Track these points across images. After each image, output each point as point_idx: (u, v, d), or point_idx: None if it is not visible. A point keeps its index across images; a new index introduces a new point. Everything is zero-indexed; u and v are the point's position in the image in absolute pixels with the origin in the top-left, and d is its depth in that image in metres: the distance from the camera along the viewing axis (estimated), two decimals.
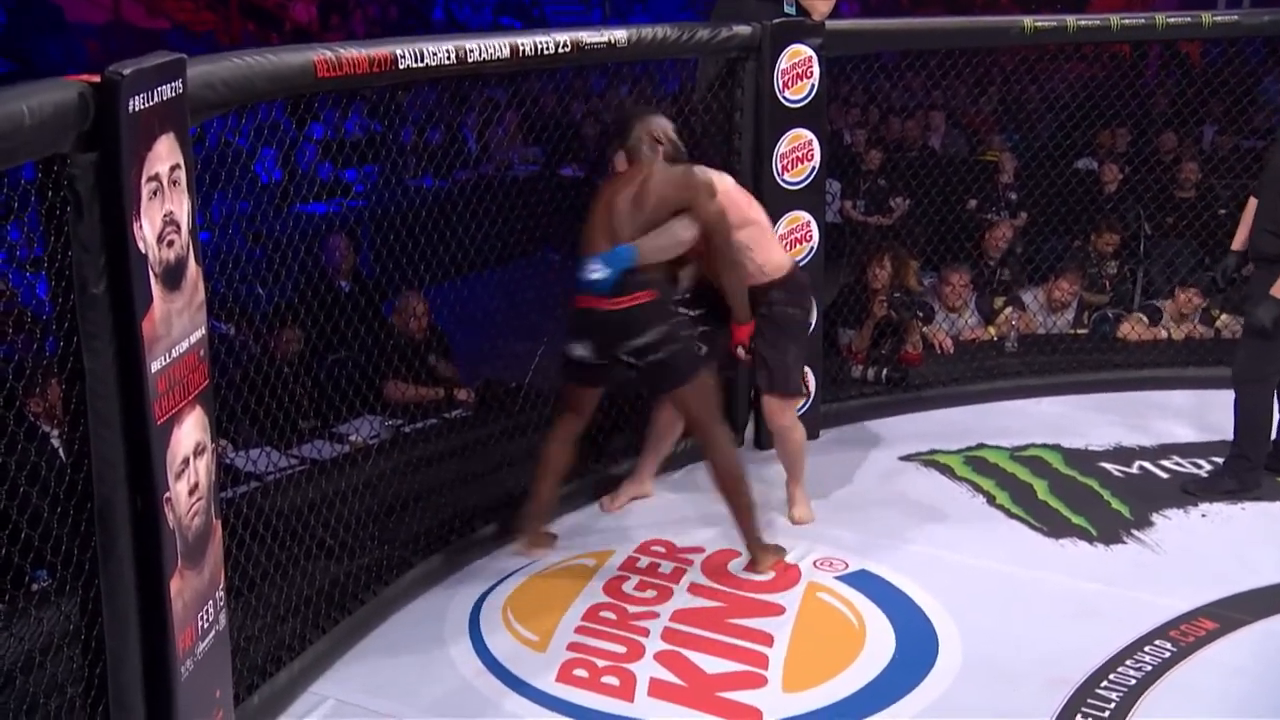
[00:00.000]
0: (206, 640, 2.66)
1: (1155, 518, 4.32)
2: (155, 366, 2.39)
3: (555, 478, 3.97)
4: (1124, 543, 4.15)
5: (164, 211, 2.40)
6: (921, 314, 5.65)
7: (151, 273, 2.36)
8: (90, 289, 2.30)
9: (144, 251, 2.33)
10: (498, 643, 3.55)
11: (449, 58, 3.54)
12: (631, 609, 3.71)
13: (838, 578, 3.90)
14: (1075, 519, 4.32)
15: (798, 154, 4.72)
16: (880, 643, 3.53)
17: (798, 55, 4.63)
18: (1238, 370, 4.35)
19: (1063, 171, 6.24)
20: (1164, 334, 5.85)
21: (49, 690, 2.63)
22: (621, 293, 3.61)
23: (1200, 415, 5.09)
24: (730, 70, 4.63)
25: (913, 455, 4.88)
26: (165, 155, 2.39)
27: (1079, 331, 5.95)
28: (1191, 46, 8.42)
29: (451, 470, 4.22)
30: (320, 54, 3.12)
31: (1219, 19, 5.31)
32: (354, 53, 3.23)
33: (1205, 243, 5.98)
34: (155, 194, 2.37)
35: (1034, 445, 4.94)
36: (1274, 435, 4.53)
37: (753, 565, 3.92)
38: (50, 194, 2.27)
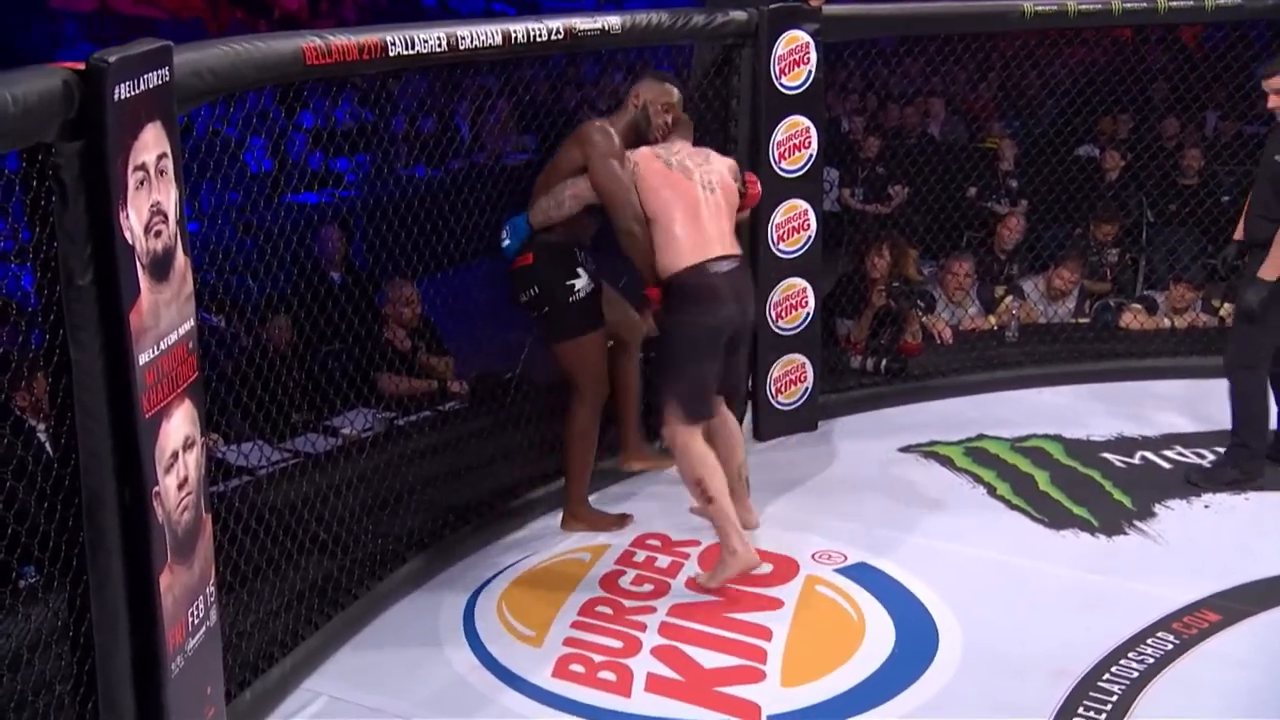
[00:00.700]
0: (197, 636, 2.64)
1: (1157, 508, 4.30)
2: (143, 359, 2.37)
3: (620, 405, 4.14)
4: (1126, 534, 4.13)
5: (151, 201, 2.38)
6: (922, 303, 5.61)
7: (139, 264, 2.34)
8: (76, 280, 2.28)
9: (131, 242, 2.31)
10: (493, 638, 3.53)
11: (440, 45, 3.51)
12: (628, 603, 3.69)
13: (836, 570, 3.87)
14: (1077, 510, 4.29)
15: (795, 141, 4.68)
16: (880, 636, 3.51)
17: (794, 41, 4.59)
18: (1228, 358, 4.38)
19: (1064, 159, 6.19)
20: (1166, 323, 5.81)
21: (37, 688, 2.62)
22: (515, 256, 3.87)
23: (1203, 405, 5.06)
24: (726, 57, 4.60)
25: (913, 446, 4.86)
26: (152, 144, 2.37)
27: (1080, 321, 5.91)
28: (1188, 31, 8.35)
29: (445, 463, 4.20)
30: (309, 41, 3.11)
31: (1222, 3, 5.25)
32: (344, 40, 3.22)
33: (1208, 230, 5.94)
34: (142, 184, 2.34)
35: (1035, 436, 4.91)
36: (1276, 424, 4.52)
37: (565, 521, 4.10)
38: (35, 184, 2.24)
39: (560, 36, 3.89)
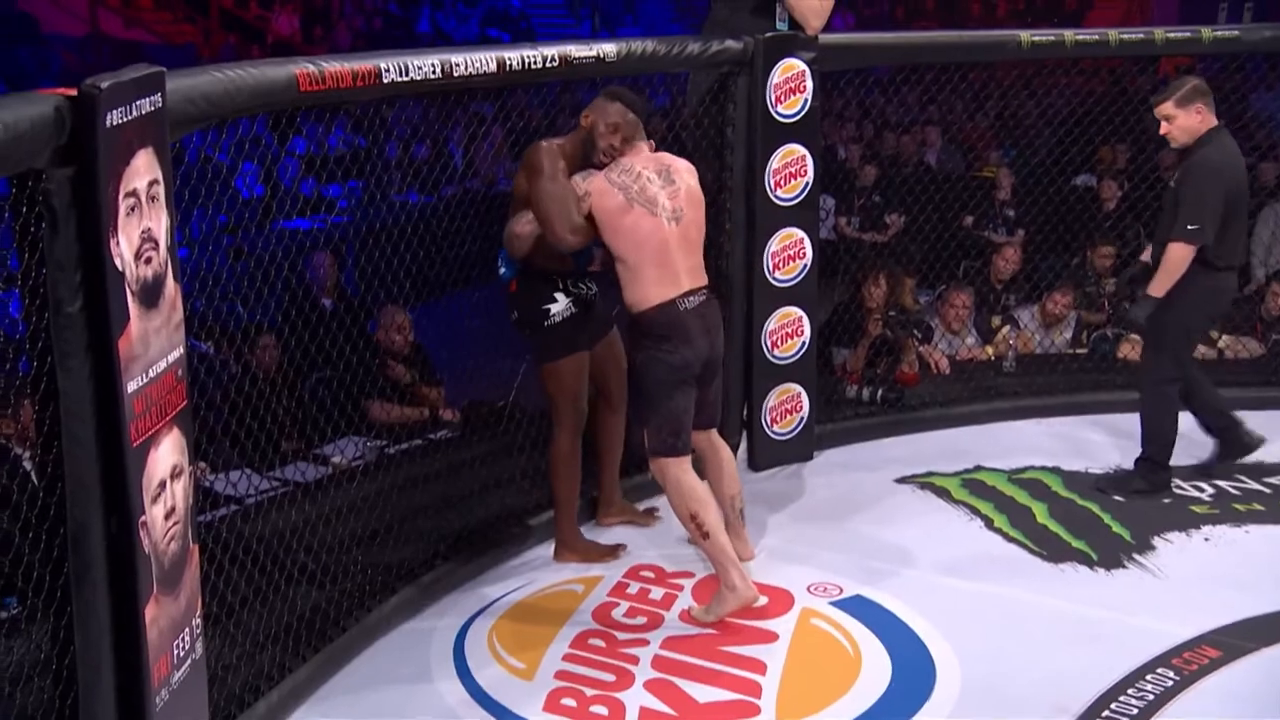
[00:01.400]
0: (182, 669, 2.62)
1: (1157, 541, 4.26)
2: (132, 387, 2.37)
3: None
4: (1125, 567, 4.09)
5: (142, 228, 2.38)
6: (920, 334, 5.59)
7: (128, 290, 2.35)
8: (65, 307, 2.29)
9: (121, 269, 2.32)
10: (484, 671, 3.49)
11: (434, 72, 3.52)
12: (621, 636, 3.65)
13: (832, 603, 3.83)
14: (1075, 543, 4.25)
15: (791, 170, 4.66)
16: (876, 670, 3.47)
17: (790, 70, 4.58)
18: (1141, 375, 4.61)
19: (1061, 188, 6.18)
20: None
21: None
22: (508, 282, 3.95)
23: (1201, 437, 5.01)
24: (722, 85, 4.60)
25: (909, 477, 4.82)
26: (143, 170, 2.38)
27: (1078, 351, 5.88)
28: (1167, 63, 8.37)
29: (436, 493, 4.18)
30: (303, 68, 3.12)
31: (1219, 34, 5.27)
32: (337, 66, 3.23)
33: None
34: (133, 210, 2.35)
35: (1033, 467, 4.88)
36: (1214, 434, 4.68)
37: (557, 552, 4.07)
38: (25, 210, 2.25)
39: (555, 64, 3.89)
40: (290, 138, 6.13)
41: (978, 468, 4.90)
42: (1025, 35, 5.13)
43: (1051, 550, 4.20)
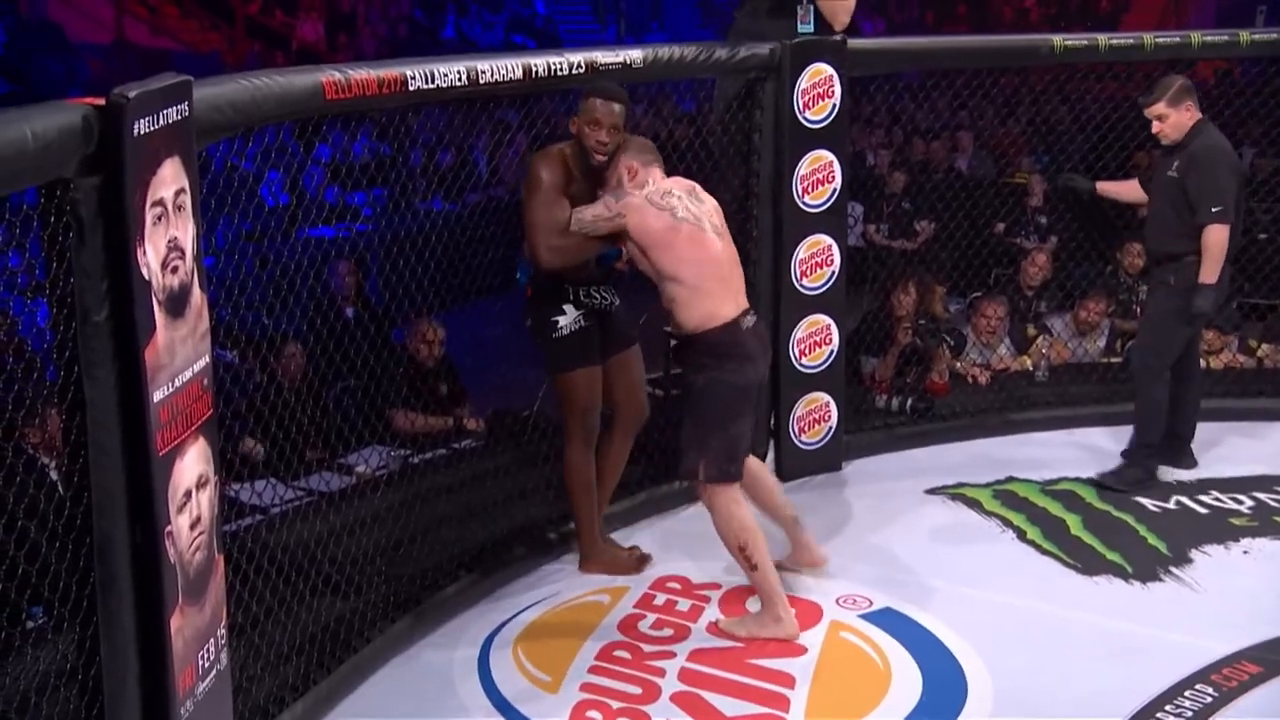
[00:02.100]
0: (207, 680, 2.62)
1: (1194, 554, 4.19)
2: (158, 396, 2.38)
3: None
4: (1161, 580, 4.03)
5: (168, 237, 2.40)
6: (952, 344, 5.52)
7: (155, 300, 2.36)
8: (92, 317, 2.30)
9: (147, 278, 2.33)
10: (508, 683, 3.47)
11: (460, 79, 3.52)
12: (647, 648, 3.62)
13: (861, 616, 3.79)
14: (1110, 555, 4.19)
15: (819, 176, 4.63)
16: (906, 685, 3.43)
17: (818, 74, 4.55)
18: (1136, 362, 4.75)
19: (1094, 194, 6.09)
20: (1202, 364, 5.67)
21: None
22: (526, 288, 3.94)
23: (1240, 447, 4.97)
24: (749, 91, 4.57)
25: (939, 488, 4.77)
26: (170, 180, 2.39)
27: (1112, 360, 5.79)
28: (1205, 66, 8.27)
29: (461, 503, 4.17)
30: (329, 75, 3.14)
31: (1258, 37, 5.19)
32: (363, 74, 3.24)
33: (1245, 269, 5.82)
34: (160, 219, 2.36)
35: (1066, 479, 4.82)
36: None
37: (582, 564, 4.02)
38: (52, 219, 2.26)
39: (581, 70, 3.87)
40: (315, 145, 6.16)
41: (1010, 479, 4.84)
42: (1058, 40, 5.08)
43: (1086, 563, 4.14)
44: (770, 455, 4.79)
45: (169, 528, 2.41)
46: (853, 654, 3.59)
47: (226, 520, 3.32)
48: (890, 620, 3.75)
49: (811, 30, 4.53)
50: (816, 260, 4.69)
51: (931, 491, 4.74)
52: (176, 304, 2.42)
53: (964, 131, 8.51)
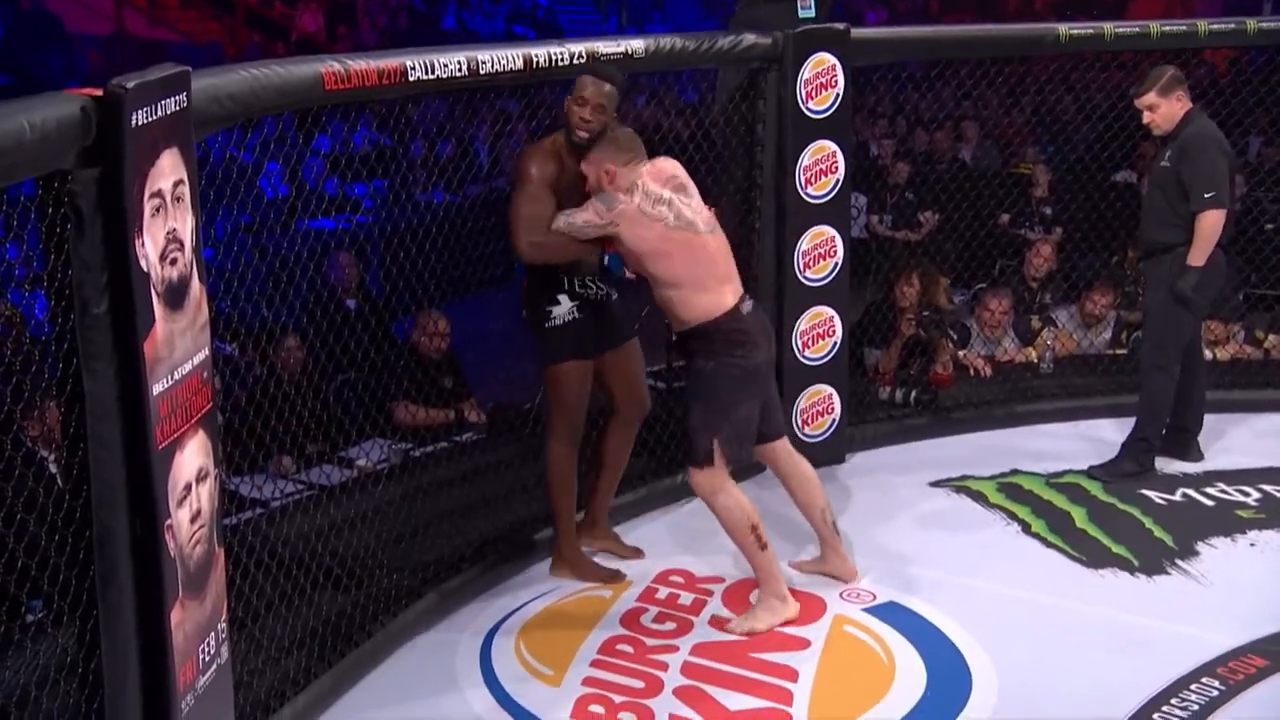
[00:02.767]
0: (208, 674, 2.62)
1: (1200, 547, 4.17)
2: (157, 389, 2.37)
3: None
4: (1167, 573, 4.01)
5: (167, 229, 2.39)
6: (955, 336, 5.49)
7: (154, 292, 2.35)
8: (91, 309, 2.29)
9: (146, 270, 2.32)
10: (511, 677, 3.45)
11: (460, 69, 3.50)
12: (649, 642, 3.61)
13: (865, 609, 3.77)
14: (1115, 548, 4.17)
15: (821, 167, 4.60)
16: (910, 679, 3.42)
17: (821, 64, 4.52)
18: (1144, 361, 4.72)
19: (1100, 185, 6.07)
20: (1207, 355, 5.65)
21: None
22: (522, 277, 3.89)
23: (1246, 439, 4.94)
24: (751, 81, 4.55)
25: (943, 481, 4.75)
26: (169, 171, 2.38)
27: (1117, 352, 5.76)
28: (1217, 55, 8.23)
29: (462, 496, 4.16)
30: (328, 66, 3.13)
31: (1265, 25, 5.16)
32: (363, 65, 3.23)
33: (1251, 259, 5.79)
34: (158, 211, 2.35)
35: (1071, 471, 4.79)
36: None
37: (553, 565, 3.96)
38: (50, 211, 2.26)
39: (583, 60, 3.85)
40: (314, 137, 6.14)
41: (1014, 471, 4.81)
42: (1064, 28, 5.05)
43: (1091, 556, 4.12)
44: None
45: (169, 521, 2.41)
46: (856, 647, 3.58)
47: (227, 513, 3.31)
48: (894, 614, 3.74)
49: (813, 15, 4.50)
50: (820, 252, 4.67)
51: (936, 484, 4.72)
52: (175, 296, 2.41)
53: (968, 121, 8.47)
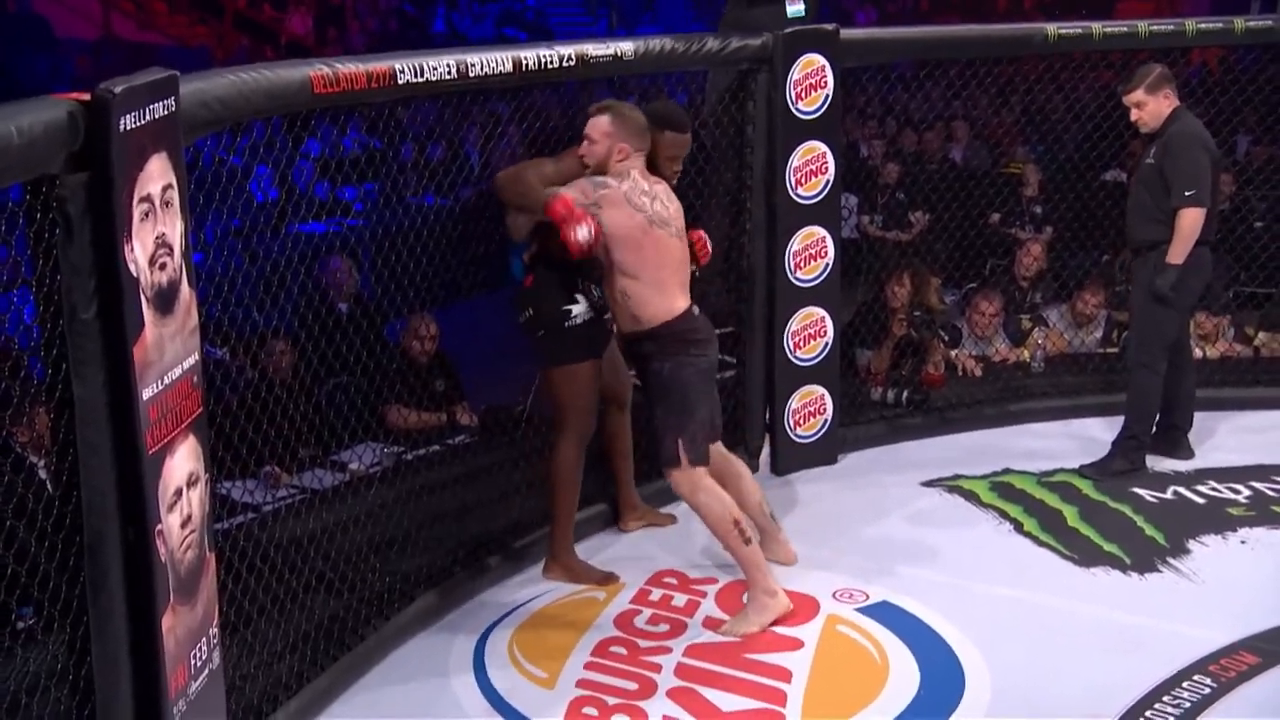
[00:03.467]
0: (200, 679, 2.61)
1: (1192, 545, 4.18)
2: (147, 394, 2.36)
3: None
4: (1159, 571, 4.01)
5: (156, 233, 2.38)
6: (947, 337, 5.50)
7: (143, 296, 2.34)
8: (80, 314, 2.28)
9: (135, 275, 2.31)
10: (504, 680, 3.45)
11: (450, 72, 3.50)
12: (643, 644, 3.61)
13: (858, 610, 3.77)
14: (1107, 547, 4.17)
15: (811, 167, 4.61)
16: (904, 678, 3.42)
17: (811, 65, 4.53)
18: (1131, 358, 4.72)
19: (1090, 184, 6.08)
20: (1198, 353, 5.67)
21: None
22: (522, 278, 3.90)
23: (1237, 437, 4.95)
24: (741, 82, 4.55)
25: (935, 481, 4.75)
26: (158, 175, 2.38)
27: (1109, 351, 5.77)
28: (1209, 54, 8.25)
29: (455, 499, 4.15)
30: (317, 70, 3.12)
31: (1252, 24, 5.17)
32: (352, 68, 3.22)
33: (1240, 257, 5.80)
34: (147, 215, 2.35)
35: (1063, 470, 4.79)
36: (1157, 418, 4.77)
37: (546, 567, 3.96)
38: (39, 216, 2.25)
39: (572, 63, 3.85)
40: (304, 140, 6.12)
41: (1006, 470, 4.82)
42: (1052, 28, 5.06)
43: (1083, 554, 4.12)
44: (766, 449, 4.78)
45: (159, 526, 2.40)
46: (849, 647, 3.58)
47: (218, 518, 3.30)
48: (887, 613, 3.74)
49: (802, 13, 4.50)
50: (810, 252, 4.67)
51: (928, 484, 4.72)
52: (165, 301, 2.40)
53: (958, 121, 8.48)
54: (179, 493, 2.48)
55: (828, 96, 4.58)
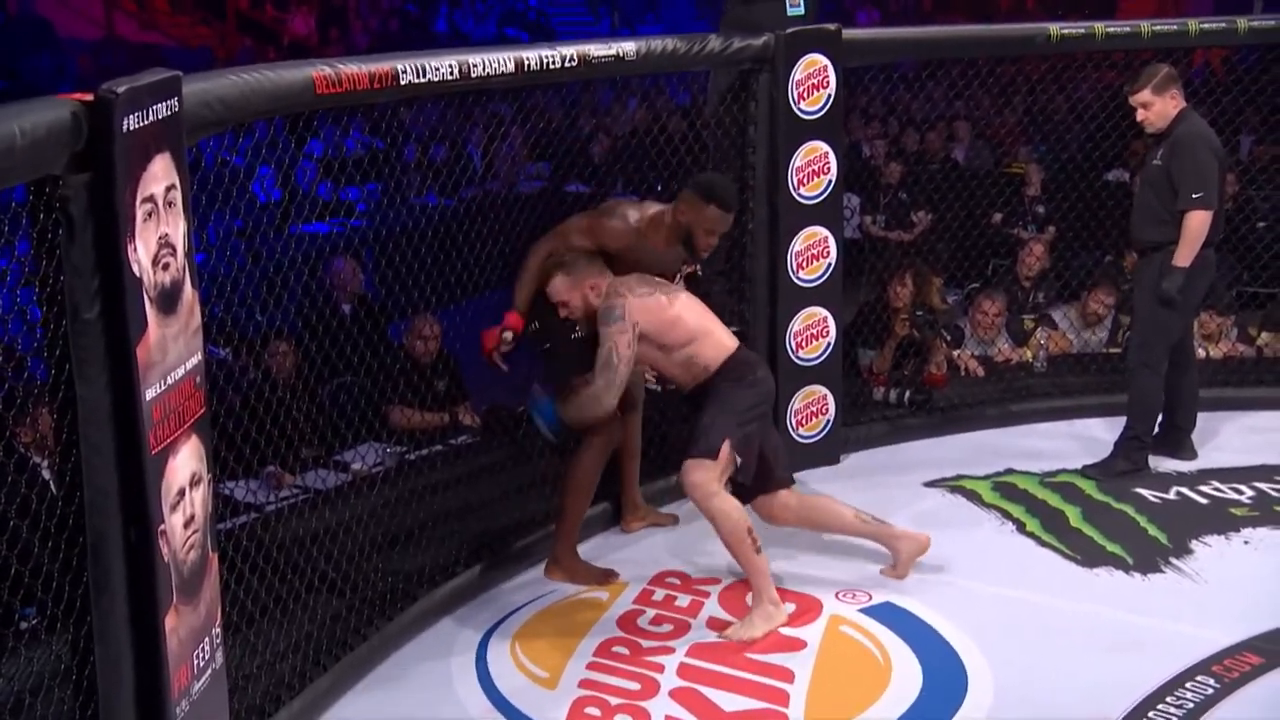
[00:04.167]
0: (203, 679, 2.61)
1: (1194, 545, 4.17)
2: (150, 394, 2.36)
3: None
4: (1162, 572, 4.01)
5: (159, 233, 2.38)
6: (950, 337, 5.49)
7: (146, 297, 2.34)
8: (83, 314, 2.28)
9: (138, 275, 2.32)
10: (506, 680, 3.45)
11: (452, 73, 3.50)
12: (646, 644, 3.60)
13: (861, 610, 3.77)
14: (1110, 547, 4.17)
15: (814, 168, 4.60)
16: (906, 679, 3.41)
17: (813, 65, 4.52)
18: (1131, 358, 4.70)
19: (1092, 184, 6.08)
20: (1201, 353, 5.66)
21: None
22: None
23: (1240, 437, 4.94)
24: (743, 82, 4.54)
25: (938, 481, 4.75)
26: (160, 175, 2.38)
27: (1113, 351, 5.77)
28: (1213, 55, 8.24)
29: (457, 499, 4.14)
30: (319, 70, 3.11)
31: (1255, 24, 5.16)
32: (354, 69, 3.22)
33: (1243, 257, 5.80)
34: (150, 215, 2.35)
35: (1065, 470, 4.79)
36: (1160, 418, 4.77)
37: (548, 568, 3.96)
38: (42, 216, 2.25)
39: (574, 63, 3.85)
40: (307, 140, 6.12)
41: (1009, 471, 4.81)
42: (1055, 28, 5.05)
43: (1086, 555, 4.12)
44: None
45: (162, 526, 2.40)
46: (852, 648, 3.58)
47: (221, 518, 3.31)
48: (890, 614, 3.73)
49: (802, 12, 4.50)
50: (812, 252, 4.67)
51: (930, 484, 4.72)
52: (168, 301, 2.41)
53: (960, 121, 8.48)
54: (182, 493, 2.48)
55: (830, 96, 4.58)
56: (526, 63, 3.71)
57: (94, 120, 2.21)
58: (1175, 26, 5.20)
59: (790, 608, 3.73)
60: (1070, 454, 4.92)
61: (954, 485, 4.71)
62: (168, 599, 2.43)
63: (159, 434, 2.38)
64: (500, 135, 6.17)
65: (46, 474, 3.40)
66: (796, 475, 4.72)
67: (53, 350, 2.30)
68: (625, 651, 3.56)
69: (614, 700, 3.32)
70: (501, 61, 3.63)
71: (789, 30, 4.47)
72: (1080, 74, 5.90)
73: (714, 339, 3.69)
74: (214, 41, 13.24)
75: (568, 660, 3.52)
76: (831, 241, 4.70)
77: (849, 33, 4.65)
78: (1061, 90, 5.87)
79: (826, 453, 4.85)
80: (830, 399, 4.82)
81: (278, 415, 3.46)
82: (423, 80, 3.39)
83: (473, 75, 3.54)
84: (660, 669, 3.46)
